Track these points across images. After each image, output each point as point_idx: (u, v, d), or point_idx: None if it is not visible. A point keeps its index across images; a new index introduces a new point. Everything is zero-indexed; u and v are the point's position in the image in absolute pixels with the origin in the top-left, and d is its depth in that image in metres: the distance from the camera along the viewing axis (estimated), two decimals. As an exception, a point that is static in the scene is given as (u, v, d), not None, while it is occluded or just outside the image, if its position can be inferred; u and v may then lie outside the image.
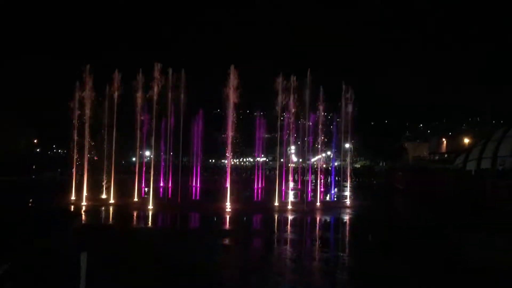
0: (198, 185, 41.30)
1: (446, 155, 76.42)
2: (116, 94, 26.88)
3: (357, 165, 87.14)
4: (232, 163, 26.74)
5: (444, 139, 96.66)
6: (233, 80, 24.27)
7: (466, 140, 74.66)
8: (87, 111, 26.50)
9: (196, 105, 41.45)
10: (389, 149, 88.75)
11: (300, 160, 48.76)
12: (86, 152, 26.55)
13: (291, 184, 37.88)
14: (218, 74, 24.78)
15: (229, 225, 19.48)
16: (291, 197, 28.79)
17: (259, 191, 38.61)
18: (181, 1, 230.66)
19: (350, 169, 37.73)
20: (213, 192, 30.89)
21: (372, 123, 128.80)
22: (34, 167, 49.22)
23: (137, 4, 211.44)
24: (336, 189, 39.80)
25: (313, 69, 26.61)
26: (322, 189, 33.98)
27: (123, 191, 26.90)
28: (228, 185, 24.97)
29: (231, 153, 25.56)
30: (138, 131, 27.15)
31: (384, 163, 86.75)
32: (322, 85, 28.59)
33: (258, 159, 47.38)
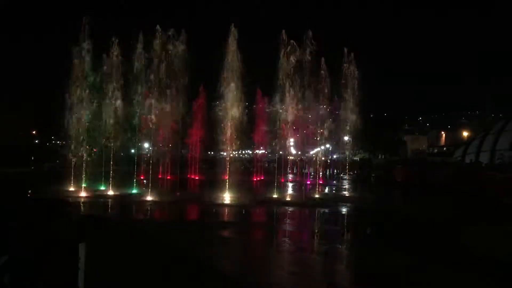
0: (197, 176, 41.36)
1: (445, 148, 76.57)
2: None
3: (356, 158, 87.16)
4: (231, 155, 26.69)
5: (443, 132, 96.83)
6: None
7: (465, 133, 74.78)
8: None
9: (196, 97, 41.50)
10: (388, 142, 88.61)
11: (299, 152, 48.76)
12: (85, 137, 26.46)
13: (290, 177, 37.94)
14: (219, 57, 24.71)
15: (228, 217, 19.53)
16: (290, 190, 28.85)
17: (258, 183, 38.65)
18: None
19: (349, 161, 37.76)
20: (212, 184, 30.88)
21: (371, 116, 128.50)
22: (32, 158, 49.13)
23: None
24: (335, 182, 39.89)
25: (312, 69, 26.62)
26: (321, 182, 34.03)
27: (122, 182, 26.88)
28: (227, 177, 24.97)
29: (232, 143, 25.41)
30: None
31: (383, 156, 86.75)
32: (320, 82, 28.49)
33: (257, 151, 47.39)
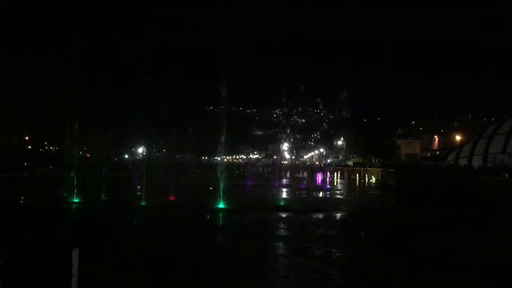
0: (192, 181, 41.25)
1: (438, 152, 76.93)
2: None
3: (350, 162, 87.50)
4: (225, 160, 26.72)
5: (436, 136, 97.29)
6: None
7: (458, 137, 75.16)
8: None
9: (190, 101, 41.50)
10: (382, 146, 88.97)
11: (293, 157, 48.89)
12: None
13: (284, 181, 37.94)
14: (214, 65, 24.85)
15: (221, 222, 19.49)
16: (284, 194, 28.84)
17: (252, 188, 38.62)
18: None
19: (343, 165, 37.83)
20: (206, 188, 30.81)
21: (365, 120, 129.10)
22: (25, 164, 48.85)
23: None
24: (328, 186, 39.95)
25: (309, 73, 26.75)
26: (315, 185, 34.09)
27: (116, 188, 26.77)
28: (221, 182, 24.88)
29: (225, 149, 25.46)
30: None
31: (376, 160, 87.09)
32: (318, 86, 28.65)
33: (251, 156, 47.38)
